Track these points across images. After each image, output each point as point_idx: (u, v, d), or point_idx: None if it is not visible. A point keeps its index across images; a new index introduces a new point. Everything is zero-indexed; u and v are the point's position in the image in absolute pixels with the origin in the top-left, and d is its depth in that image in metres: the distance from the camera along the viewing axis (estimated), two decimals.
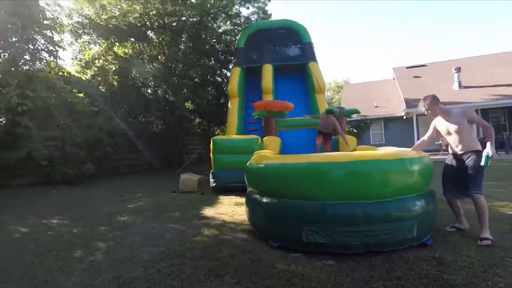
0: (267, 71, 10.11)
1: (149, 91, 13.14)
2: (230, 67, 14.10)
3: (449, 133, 3.17)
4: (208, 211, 4.69)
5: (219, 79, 15.60)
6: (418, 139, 15.56)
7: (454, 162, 3.20)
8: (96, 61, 12.08)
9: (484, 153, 2.83)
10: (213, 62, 15.02)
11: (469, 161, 3.01)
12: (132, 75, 11.16)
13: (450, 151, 3.30)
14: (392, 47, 67.12)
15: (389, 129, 17.54)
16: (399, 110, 16.81)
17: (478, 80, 16.24)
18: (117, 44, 12.16)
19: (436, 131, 3.34)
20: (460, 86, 16.11)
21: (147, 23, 12.44)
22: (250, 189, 3.54)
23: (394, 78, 20.22)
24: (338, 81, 37.87)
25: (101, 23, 11.09)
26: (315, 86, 9.63)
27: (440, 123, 3.27)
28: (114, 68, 12.40)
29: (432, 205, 2.92)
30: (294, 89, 10.38)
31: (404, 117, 16.67)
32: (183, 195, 6.37)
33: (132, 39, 12.16)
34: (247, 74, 10.87)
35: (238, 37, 12.51)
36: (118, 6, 11.50)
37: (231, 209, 4.81)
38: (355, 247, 2.59)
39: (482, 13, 60.13)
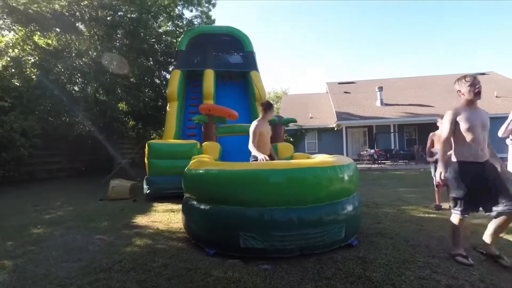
0: (209, 76, 10.03)
1: (76, 88, 11.91)
2: (170, 69, 13.65)
3: (481, 129, 2.54)
4: (141, 220, 4.40)
5: (158, 81, 14.96)
6: (347, 148, 16.97)
7: (478, 169, 2.55)
8: (10, 50, 10.52)
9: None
10: (151, 62, 14.35)
11: (497, 169, 2.55)
12: (56, 70, 9.96)
13: (468, 155, 2.58)
14: (327, 63, 72.68)
15: (322, 138, 18.81)
16: (331, 121, 18.16)
17: (396, 99, 18.49)
18: (38, 33, 10.80)
19: (456, 124, 2.61)
20: (382, 103, 18.14)
21: (77, 13, 11.33)
22: (188, 195, 3.43)
23: (327, 92, 21.86)
24: (277, 91, 39.47)
25: (19, 6, 9.75)
26: (256, 94, 9.86)
27: (468, 114, 2.56)
28: (33, 60, 10.97)
29: (358, 209, 3.19)
30: (235, 96, 10.47)
31: (335, 128, 18.07)
32: (112, 203, 5.87)
33: (58, 29, 10.94)
34: (187, 77, 10.63)
35: (179, 39, 12.20)
36: None
37: (166, 216, 4.59)
38: (290, 250, 2.68)
39: (404, 41, 69.07)
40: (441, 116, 4.90)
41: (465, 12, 64.72)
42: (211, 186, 2.97)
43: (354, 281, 2.27)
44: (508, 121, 3.97)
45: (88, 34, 11.97)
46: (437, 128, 4.95)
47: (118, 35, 12.77)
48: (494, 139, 4.41)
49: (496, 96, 17.15)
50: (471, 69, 46.22)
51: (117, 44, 12.71)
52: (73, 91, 11.64)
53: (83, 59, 11.32)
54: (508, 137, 4.05)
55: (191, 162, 3.74)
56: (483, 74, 21.28)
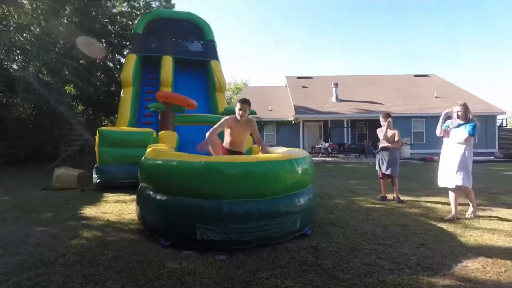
0: (167, 62, 9.61)
1: (14, 66, 10.67)
2: (125, 53, 12.85)
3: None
4: (89, 211, 4.13)
5: (111, 64, 14.00)
6: (304, 141, 17.56)
7: None
8: None
9: None
10: (104, 44, 13.36)
11: None
12: None
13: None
14: (286, 57, 73.87)
15: (280, 131, 19.19)
16: (290, 115, 18.58)
17: (349, 95, 19.46)
18: None
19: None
20: (337, 99, 18.98)
21: None
22: (144, 184, 3.29)
23: (286, 86, 22.26)
24: (237, 82, 39.26)
25: None
26: (216, 84, 9.70)
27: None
28: None
29: (313, 200, 3.32)
30: (194, 85, 10.18)
31: (293, 122, 18.54)
32: (57, 193, 5.43)
33: None
34: (144, 63, 10.08)
35: (136, 22, 11.47)
36: None
37: (117, 207, 4.36)
38: (247, 242, 2.70)
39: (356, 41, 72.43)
40: (383, 114, 5.19)
41: (414, 16, 69.91)
42: (168, 178, 2.87)
43: (307, 269, 2.37)
44: (441, 119, 4.14)
45: (29, 8, 10.72)
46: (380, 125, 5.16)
47: (66, 12, 11.64)
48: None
49: (436, 97, 18.85)
50: (414, 70, 50.11)
51: (65, 21, 11.59)
52: (11, 70, 10.42)
53: (24, 34, 10.16)
54: (444, 137, 4.14)
55: (148, 150, 3.58)
56: (425, 76, 23.22)
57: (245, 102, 3.62)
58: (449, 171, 3.89)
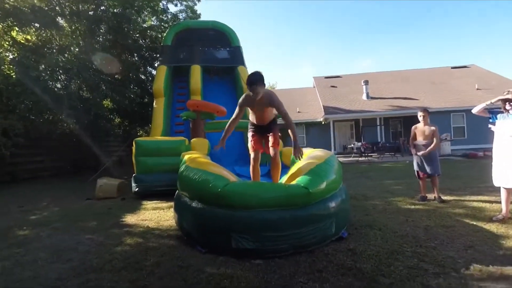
0: (196, 71, 9.92)
1: (58, 85, 11.55)
2: (156, 65, 13.43)
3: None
4: (130, 218, 4.34)
5: (143, 77, 14.69)
6: (335, 141, 17.12)
7: None
8: None
9: None
10: (136, 58, 14.07)
11: None
12: (36, 65, 9.61)
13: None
14: (313, 58, 73.02)
15: (310, 132, 18.95)
16: (319, 115, 18.31)
17: (381, 92, 18.78)
18: (16, 28, 10.39)
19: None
20: (368, 97, 18.40)
21: (57, 7, 10.95)
22: (182, 192, 3.41)
23: (314, 86, 21.98)
24: None
25: None
26: (244, 90, 9.82)
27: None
28: (11, 56, 10.56)
29: (346, 200, 3.25)
30: (222, 91, 10.40)
31: (323, 122, 18.24)
32: (100, 202, 5.78)
33: (37, 25, 10.54)
34: (174, 73, 10.48)
35: (164, 34, 11.97)
36: None
37: (155, 214, 4.54)
38: (283, 249, 2.67)
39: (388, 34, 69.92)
40: (422, 109, 4.94)
41: (448, 5, 66.20)
42: (202, 190, 2.96)
43: (345, 273, 2.32)
44: (488, 102, 3.85)
45: (69, 30, 11.59)
46: (418, 121, 4.88)
47: (101, 31, 12.43)
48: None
49: (477, 89, 17.61)
50: (453, 62, 47.02)
51: (100, 39, 12.38)
52: (56, 89, 11.30)
53: (65, 55, 10.98)
54: (488, 120, 3.87)
55: (185, 158, 3.70)
56: (465, 67, 21.79)
57: (252, 82, 3.07)
58: (505, 169, 3.52)
